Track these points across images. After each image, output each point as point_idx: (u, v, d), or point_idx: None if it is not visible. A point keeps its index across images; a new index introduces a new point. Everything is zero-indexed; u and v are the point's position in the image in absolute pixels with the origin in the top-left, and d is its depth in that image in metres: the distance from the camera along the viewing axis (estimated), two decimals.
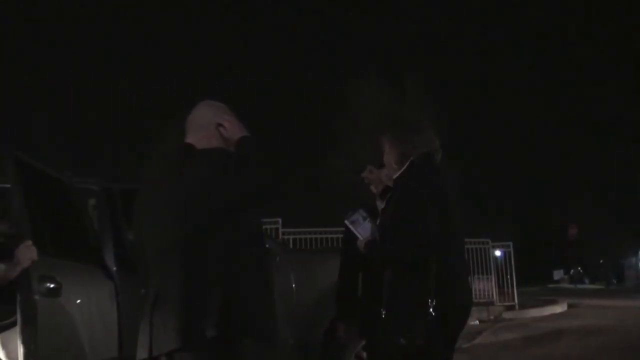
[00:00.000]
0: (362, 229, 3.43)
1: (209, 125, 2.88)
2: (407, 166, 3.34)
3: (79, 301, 3.96)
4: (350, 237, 4.24)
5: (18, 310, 3.52)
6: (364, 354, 4.93)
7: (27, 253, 3.47)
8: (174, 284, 2.61)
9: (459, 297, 3.20)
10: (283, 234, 12.22)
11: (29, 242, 3.50)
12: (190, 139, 2.89)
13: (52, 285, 3.69)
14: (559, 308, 16.78)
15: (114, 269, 4.41)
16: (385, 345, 3.18)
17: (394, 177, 3.43)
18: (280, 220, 12.06)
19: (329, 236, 12.62)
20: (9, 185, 3.74)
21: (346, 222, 3.54)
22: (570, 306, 17.45)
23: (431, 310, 3.06)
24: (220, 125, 2.86)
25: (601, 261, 44.51)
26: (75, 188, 4.52)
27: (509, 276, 15.94)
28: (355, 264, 4.11)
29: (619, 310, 15.98)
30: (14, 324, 3.87)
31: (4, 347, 4.23)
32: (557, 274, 44.72)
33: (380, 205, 4.11)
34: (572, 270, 45.28)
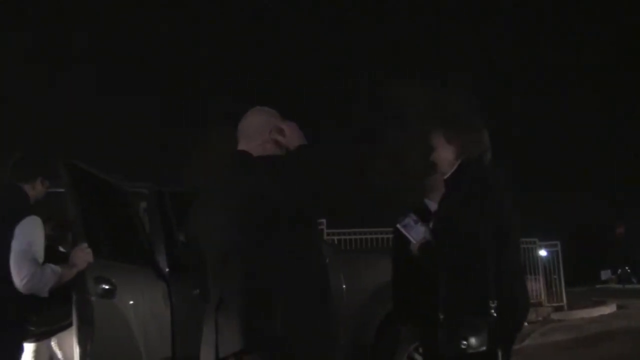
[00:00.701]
0: (415, 232, 3.40)
1: (263, 131, 2.91)
2: (457, 166, 3.30)
3: (132, 302, 4.03)
4: (401, 239, 4.21)
5: (74, 311, 3.59)
6: (417, 356, 4.89)
7: (82, 256, 3.53)
8: (236, 287, 2.67)
9: (519, 297, 3.15)
10: (328, 234, 12.22)
11: (85, 245, 3.56)
12: (243, 145, 2.92)
13: (107, 287, 3.75)
14: (608, 309, 16.42)
15: (166, 270, 4.47)
16: (446, 350, 3.14)
17: (445, 177, 3.39)
18: (325, 221, 12.07)
19: (374, 236, 12.58)
20: (61, 190, 3.82)
21: (398, 226, 3.52)
22: (619, 307, 17.06)
23: (492, 311, 3.03)
24: (275, 131, 2.89)
25: None
26: (126, 192, 4.59)
27: (556, 276, 15.67)
28: (408, 266, 4.07)
29: None
30: (70, 325, 3.96)
31: (60, 348, 4.32)
32: (605, 274, 43.81)
33: (433, 206, 4.07)
34: (619, 270, 44.29)
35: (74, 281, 3.57)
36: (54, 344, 4.36)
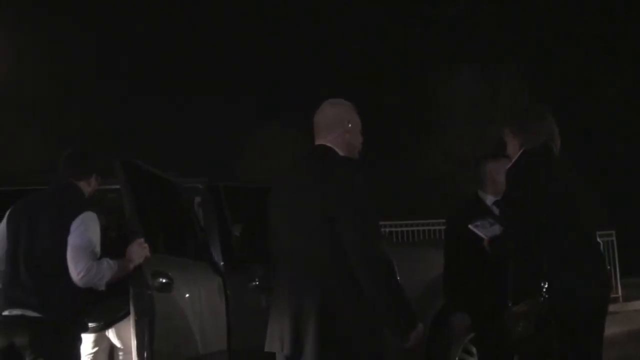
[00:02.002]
0: (489, 231, 3.43)
1: (337, 128, 2.94)
2: (518, 156, 3.29)
3: (188, 295, 4.08)
4: (454, 230, 4.19)
5: (131, 305, 3.66)
6: (472, 348, 4.85)
7: (139, 251, 3.60)
8: (295, 284, 2.81)
9: (577, 286, 3.08)
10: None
11: (141, 240, 3.62)
12: (322, 138, 2.96)
13: (164, 281, 3.82)
14: None
15: (221, 264, 4.52)
16: (511, 335, 3.15)
17: (507, 168, 3.38)
18: None
19: (423, 228, 12.50)
20: (116, 187, 3.89)
21: (470, 227, 3.54)
22: None
23: (542, 298, 3.00)
24: (345, 129, 2.93)
25: None
26: (181, 187, 4.66)
27: (610, 267, 15.32)
28: (464, 257, 4.05)
29: None
30: (126, 316, 4.07)
31: (119, 338, 4.41)
32: None
33: (488, 199, 4.05)
34: None
35: (131, 275, 3.64)
36: (112, 334, 4.45)
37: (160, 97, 18.85)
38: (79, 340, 3.54)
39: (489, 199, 4.13)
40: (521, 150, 3.32)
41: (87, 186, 3.68)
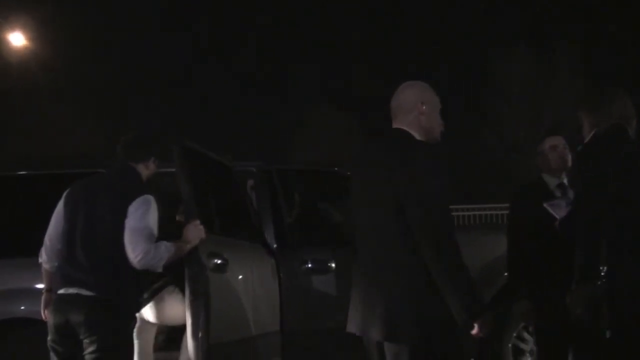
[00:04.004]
0: (563, 211, 3.40)
1: (412, 110, 2.94)
2: (590, 137, 3.23)
3: (242, 276, 4.14)
4: (518, 213, 4.12)
5: (187, 285, 3.72)
6: (526, 335, 4.78)
7: (196, 232, 3.65)
8: (377, 273, 2.85)
9: (633, 269, 2.99)
10: None
11: (197, 222, 3.68)
12: (396, 124, 2.97)
13: (219, 262, 3.87)
14: None
15: (274, 246, 4.57)
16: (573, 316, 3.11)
17: (578, 150, 3.33)
18: None
19: (476, 213, 12.36)
20: (172, 170, 3.94)
21: (545, 205, 3.50)
22: None
23: (600, 282, 2.99)
24: (420, 110, 2.94)
25: None
26: (236, 171, 4.72)
27: None
28: (528, 241, 3.97)
29: None
30: (162, 288, 4.18)
31: (154, 312, 4.40)
32: None
33: (552, 181, 4.00)
34: None
35: (187, 256, 3.70)
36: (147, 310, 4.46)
37: (218, 84, 19.06)
38: (134, 320, 3.61)
39: (552, 182, 4.05)
40: (593, 132, 3.26)
41: (146, 169, 3.73)
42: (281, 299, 4.45)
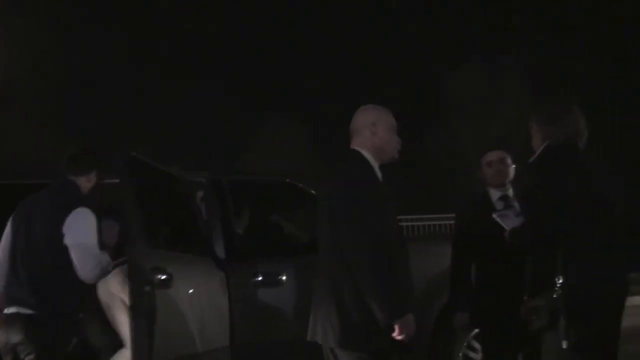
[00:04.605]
0: (512, 222, 3.42)
1: (364, 131, 3.17)
2: (541, 150, 3.27)
3: (188, 292, 4.05)
4: (464, 225, 4.18)
5: (129, 301, 3.64)
6: (475, 344, 4.83)
7: None
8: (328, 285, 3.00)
9: (592, 283, 3.03)
10: None
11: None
12: (352, 145, 3.19)
13: (163, 277, 3.78)
14: None
15: (224, 259, 4.49)
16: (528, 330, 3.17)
17: (529, 161, 3.36)
18: None
19: (424, 223, 12.47)
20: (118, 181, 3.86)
21: (494, 216, 3.54)
22: None
23: (557, 289, 3.03)
24: (372, 131, 3.16)
25: None
26: (184, 182, 4.63)
27: None
28: (470, 252, 4.05)
29: None
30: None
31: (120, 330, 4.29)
32: None
33: (495, 195, 4.04)
34: None
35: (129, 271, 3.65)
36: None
37: (164, 91, 18.81)
38: (72, 339, 3.57)
39: (494, 195, 4.12)
40: (544, 144, 3.29)
41: (87, 182, 3.73)
42: (231, 312, 4.36)
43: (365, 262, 2.89)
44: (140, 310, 3.56)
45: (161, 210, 4.28)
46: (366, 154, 3.16)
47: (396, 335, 2.91)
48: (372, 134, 3.16)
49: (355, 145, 3.19)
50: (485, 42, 19.37)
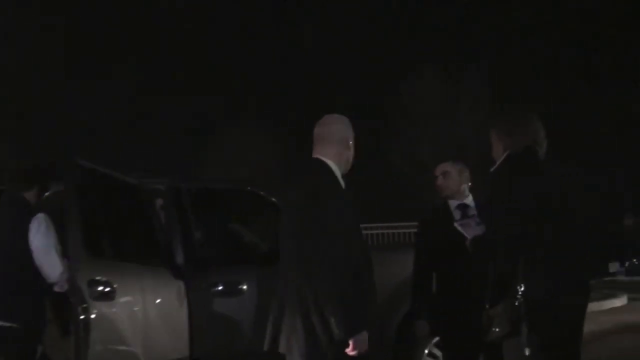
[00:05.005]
0: (473, 230, 3.45)
1: (340, 144, 3.17)
2: (502, 159, 3.30)
3: (134, 303, 3.96)
4: (425, 234, 4.21)
5: (72, 315, 3.58)
6: (436, 351, 4.85)
7: None
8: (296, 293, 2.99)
9: (553, 291, 3.07)
10: None
11: None
12: (320, 151, 3.16)
13: (105, 289, 3.70)
14: (619, 302, 16.32)
15: (183, 268, 4.41)
16: (485, 337, 3.18)
17: (491, 170, 3.39)
18: None
19: (388, 231, 12.53)
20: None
21: (456, 224, 3.56)
22: (630, 299, 16.97)
23: (518, 296, 3.05)
24: (347, 146, 3.17)
25: None
26: (140, 189, 4.53)
27: None
28: (431, 261, 4.08)
29: None
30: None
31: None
32: (613, 266, 43.54)
33: (454, 203, 4.07)
34: (627, 262, 44.00)
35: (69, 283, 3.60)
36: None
37: (127, 98, 18.55)
38: (38, 346, 3.56)
39: (452, 204, 4.16)
40: (505, 154, 3.33)
41: (34, 197, 3.80)
42: (190, 323, 4.27)
43: (328, 275, 2.89)
44: (78, 324, 3.50)
45: (110, 218, 4.18)
46: (332, 164, 3.15)
47: (349, 351, 2.92)
48: (347, 148, 3.18)
49: (322, 154, 3.16)
50: (445, 52, 19.61)
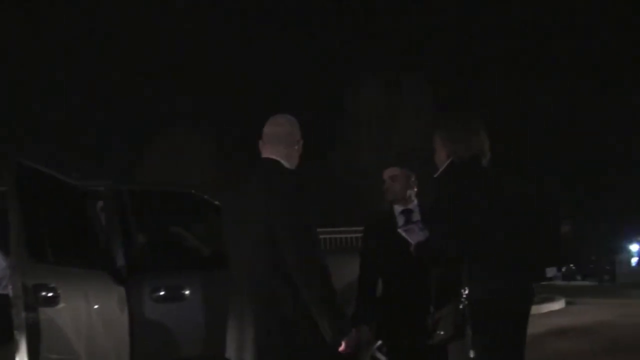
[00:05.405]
0: (417, 236, 3.46)
1: (292, 144, 3.16)
2: (446, 166, 3.32)
3: (78, 308, 3.85)
4: (371, 240, 4.21)
5: (14, 320, 3.46)
6: (379, 355, 4.85)
7: None
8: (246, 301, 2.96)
9: (496, 294, 3.11)
10: None
11: None
12: (270, 150, 3.13)
13: (48, 294, 3.59)
14: (557, 305, 16.76)
15: (124, 273, 4.29)
16: (431, 340, 3.20)
17: (434, 176, 3.41)
18: None
19: (334, 236, 12.53)
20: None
21: (399, 230, 3.57)
22: (568, 303, 17.45)
23: (463, 299, 3.08)
24: (297, 144, 3.17)
25: (593, 258, 44.67)
26: (83, 191, 4.40)
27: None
28: (376, 266, 4.09)
29: (618, 307, 15.97)
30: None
31: None
32: (550, 271, 44.41)
33: (398, 208, 4.08)
34: (564, 268, 45.31)
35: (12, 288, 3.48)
36: None
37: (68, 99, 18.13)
38: None
39: (397, 209, 4.18)
40: (449, 160, 3.35)
41: None
42: (131, 329, 4.15)
43: (315, 281, 2.88)
44: (22, 330, 3.39)
45: (52, 220, 4.04)
46: (286, 165, 3.14)
47: (342, 349, 2.96)
48: (297, 150, 3.19)
49: (274, 154, 3.13)
50: (388, 60, 19.85)
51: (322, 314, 2.87)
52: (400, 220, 4.07)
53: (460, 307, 3.10)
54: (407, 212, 4.14)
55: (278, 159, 3.12)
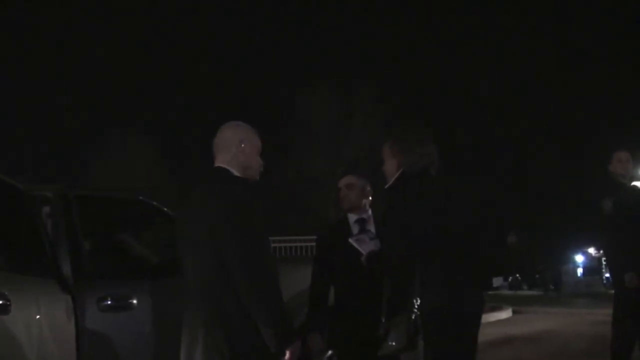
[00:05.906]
0: (367, 245, 3.47)
1: (231, 148, 3.11)
2: (397, 176, 3.36)
3: (28, 318, 3.70)
4: (324, 249, 4.22)
5: None
6: None
7: None
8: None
9: (447, 303, 3.14)
10: None
11: None
12: (216, 161, 3.12)
13: (0, 302, 3.45)
14: (504, 314, 17.06)
15: (71, 280, 4.17)
16: (383, 350, 3.21)
17: (386, 187, 3.45)
18: None
19: (284, 245, 12.51)
20: None
21: (350, 240, 3.57)
22: (515, 312, 17.78)
23: (414, 310, 3.12)
24: (239, 149, 3.11)
25: (540, 268, 45.67)
26: (28, 195, 4.27)
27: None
28: (328, 275, 4.10)
29: (563, 317, 16.35)
30: None
31: None
32: (497, 281, 45.65)
33: (353, 217, 4.10)
34: (510, 277, 46.24)
35: None
36: None
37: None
38: None
39: (351, 218, 4.20)
40: (400, 171, 3.39)
41: None
42: (78, 340, 4.04)
43: (260, 288, 2.85)
44: None
45: (1, 226, 3.92)
46: (235, 172, 3.11)
47: (287, 359, 2.93)
48: (240, 152, 3.14)
49: (221, 162, 3.13)
50: (339, 69, 20.04)
51: (266, 324, 2.85)
52: (355, 229, 4.09)
53: (412, 317, 3.12)
54: (361, 221, 4.16)
55: (225, 166, 3.11)
